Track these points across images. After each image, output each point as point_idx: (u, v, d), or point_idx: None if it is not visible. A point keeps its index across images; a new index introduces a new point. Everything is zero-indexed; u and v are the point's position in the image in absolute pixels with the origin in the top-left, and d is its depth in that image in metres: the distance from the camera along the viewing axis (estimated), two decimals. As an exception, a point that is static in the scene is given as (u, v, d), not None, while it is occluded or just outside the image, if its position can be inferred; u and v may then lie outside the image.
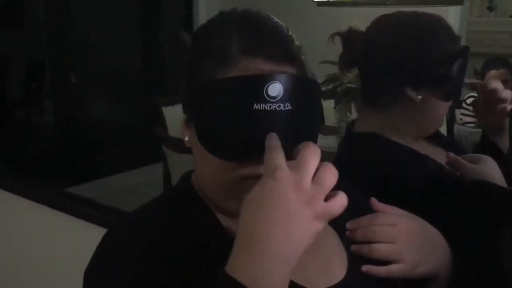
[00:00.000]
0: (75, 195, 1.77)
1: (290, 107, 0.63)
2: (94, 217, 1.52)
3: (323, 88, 2.25)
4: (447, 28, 1.01)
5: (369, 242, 0.74)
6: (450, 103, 1.03)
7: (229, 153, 0.65)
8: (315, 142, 0.68)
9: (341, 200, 0.57)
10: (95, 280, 0.66)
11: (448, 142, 1.14)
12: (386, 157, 0.99)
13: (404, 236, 0.74)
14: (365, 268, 0.74)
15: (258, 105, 0.62)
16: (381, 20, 1.03)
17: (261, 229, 0.55)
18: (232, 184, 0.66)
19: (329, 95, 2.25)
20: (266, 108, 0.62)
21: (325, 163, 0.57)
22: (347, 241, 0.77)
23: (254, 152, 0.63)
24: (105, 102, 4.02)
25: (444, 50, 0.97)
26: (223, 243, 0.64)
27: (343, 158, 1.05)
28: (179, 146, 2.36)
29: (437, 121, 1.05)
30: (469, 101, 2.51)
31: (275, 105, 0.63)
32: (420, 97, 0.97)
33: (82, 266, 0.67)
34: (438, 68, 0.97)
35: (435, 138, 1.10)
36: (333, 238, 0.77)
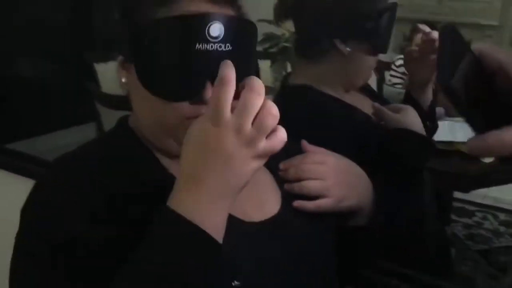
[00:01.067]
0: (8, 149, 1.71)
1: (230, 48, 0.65)
2: (27, 171, 1.49)
3: (259, 48, 2.28)
4: None
5: (300, 180, 0.79)
6: (377, 57, 1.08)
7: (171, 94, 0.66)
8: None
9: (281, 136, 0.60)
10: (33, 215, 0.66)
11: (375, 95, 1.21)
12: (316, 107, 1.04)
13: (331, 173, 0.80)
14: (296, 203, 0.79)
15: (200, 44, 0.64)
16: None
17: (200, 169, 0.58)
18: (172, 124, 0.68)
19: (265, 55, 2.28)
20: (208, 48, 0.64)
21: (267, 102, 0.59)
22: (281, 180, 0.81)
23: (196, 92, 0.65)
24: (30, 58, 3.84)
25: (373, 4, 1.02)
26: (163, 180, 0.68)
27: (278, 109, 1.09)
28: (113, 102, 2.32)
29: (365, 74, 1.10)
30: (398, 63, 2.62)
31: (217, 45, 0.64)
32: (349, 49, 1.02)
33: (13, 217, 0.67)
34: (366, 22, 1.02)
35: (364, 90, 1.16)
36: (268, 177, 0.82)
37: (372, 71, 1.15)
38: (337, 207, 0.80)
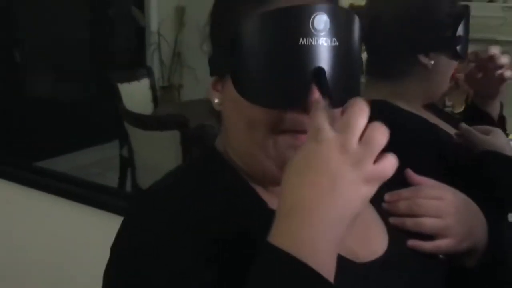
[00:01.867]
0: (45, 169, 1.67)
1: (336, 43, 0.58)
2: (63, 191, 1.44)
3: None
4: None
5: (413, 216, 0.73)
6: (456, 64, 1.04)
7: (272, 99, 0.60)
8: (359, 83, 0.65)
9: (391, 161, 0.53)
10: (130, 254, 0.59)
11: (442, 113, 1.16)
12: (398, 124, 0.98)
13: (450, 210, 0.73)
14: (411, 243, 0.71)
15: (304, 39, 0.57)
16: None
17: (304, 194, 0.51)
18: (268, 142, 0.61)
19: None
20: (312, 42, 0.57)
21: (375, 122, 0.53)
22: (384, 214, 0.74)
23: (299, 96, 0.58)
24: (52, 80, 3.83)
25: (449, 12, 0.99)
26: (257, 208, 0.62)
27: None
28: (142, 122, 2.28)
29: (446, 85, 1.06)
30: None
31: (322, 39, 0.58)
32: (433, 62, 0.98)
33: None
34: (446, 31, 0.99)
35: (433, 109, 1.11)
36: (371, 210, 0.74)
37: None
38: (458, 248, 0.73)
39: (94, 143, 3.76)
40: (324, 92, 0.57)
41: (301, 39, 0.57)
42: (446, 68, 1.03)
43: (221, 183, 0.65)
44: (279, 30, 0.58)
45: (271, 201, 0.64)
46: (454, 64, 1.05)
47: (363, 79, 1.08)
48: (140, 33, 4.20)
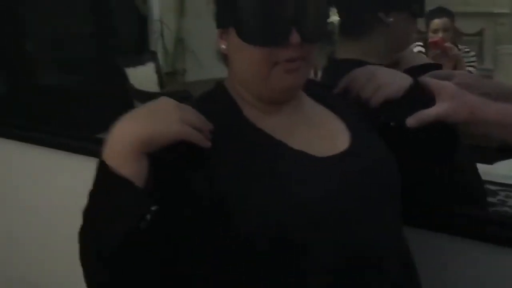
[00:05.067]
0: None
1: None
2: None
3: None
4: None
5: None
6: (416, 22, 1.22)
7: (265, 40, 0.81)
8: (327, 23, 0.88)
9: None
10: None
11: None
12: None
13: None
14: (415, 117, 0.93)
15: None
16: None
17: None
18: (267, 72, 0.83)
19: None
20: None
21: None
22: (350, 121, 0.94)
23: (285, 36, 0.80)
24: (59, 70, 4.00)
25: None
26: (243, 127, 0.85)
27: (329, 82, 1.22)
28: (151, 98, 2.47)
29: (409, 40, 1.24)
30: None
31: None
32: (392, 19, 1.16)
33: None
34: None
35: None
36: (335, 119, 0.95)
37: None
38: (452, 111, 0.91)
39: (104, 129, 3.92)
40: (300, 33, 0.81)
41: None
42: (406, 25, 1.18)
43: (219, 107, 0.88)
44: None
45: (261, 123, 0.87)
46: (413, 21, 1.19)
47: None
48: (143, 22, 4.38)
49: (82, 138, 1.70)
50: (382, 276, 0.84)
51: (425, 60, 1.17)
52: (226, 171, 0.80)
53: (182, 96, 2.46)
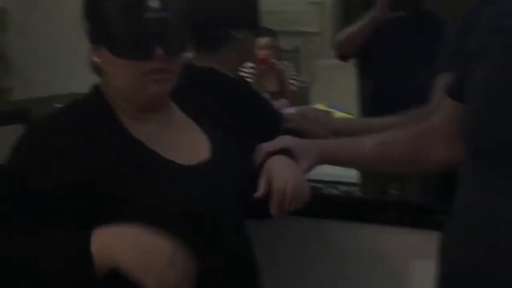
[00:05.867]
0: None
1: (169, 14, 0.95)
2: None
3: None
4: None
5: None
6: (256, 40, 1.43)
7: (134, 54, 0.94)
8: (186, 38, 1.02)
9: None
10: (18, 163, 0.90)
11: None
12: (227, 84, 1.35)
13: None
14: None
15: (145, 13, 0.92)
16: None
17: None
18: (139, 82, 0.94)
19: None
20: (150, 16, 0.92)
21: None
22: (210, 131, 1.07)
23: (148, 52, 0.93)
24: None
25: None
26: (122, 138, 0.95)
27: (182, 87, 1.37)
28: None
29: (252, 55, 1.44)
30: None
31: (158, 14, 0.93)
32: (241, 36, 1.35)
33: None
34: (249, 11, 1.38)
35: None
36: (196, 129, 1.07)
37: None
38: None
39: None
40: (163, 48, 0.95)
41: (143, 14, 0.92)
42: (251, 42, 1.41)
43: (95, 114, 0.97)
44: (128, 9, 0.93)
45: (136, 131, 0.97)
46: (255, 39, 1.42)
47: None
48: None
49: None
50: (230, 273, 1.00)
51: None
52: (101, 176, 0.90)
53: (21, 114, 2.38)
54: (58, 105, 1.05)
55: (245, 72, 3.05)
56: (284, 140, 1.09)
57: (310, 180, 1.09)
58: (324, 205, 1.33)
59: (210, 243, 0.96)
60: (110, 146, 0.94)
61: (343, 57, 2.20)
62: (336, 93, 3.10)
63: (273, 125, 1.31)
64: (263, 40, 2.99)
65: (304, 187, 1.01)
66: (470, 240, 0.82)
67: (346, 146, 1.09)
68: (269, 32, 2.96)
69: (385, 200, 1.64)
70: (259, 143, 1.13)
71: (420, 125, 1.08)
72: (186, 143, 1.03)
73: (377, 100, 1.97)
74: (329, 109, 2.72)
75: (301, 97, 3.27)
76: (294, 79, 3.25)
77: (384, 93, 1.91)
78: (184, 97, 1.12)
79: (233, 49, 1.37)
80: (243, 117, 1.20)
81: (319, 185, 1.70)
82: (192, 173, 0.98)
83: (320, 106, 2.79)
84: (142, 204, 0.91)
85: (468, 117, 0.88)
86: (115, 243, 0.83)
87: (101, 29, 0.95)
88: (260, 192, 0.98)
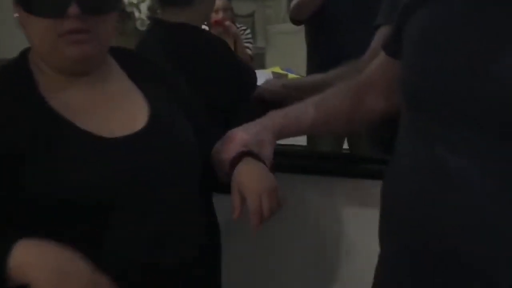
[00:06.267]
0: None
1: None
2: None
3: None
4: None
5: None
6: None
7: (49, 11, 0.85)
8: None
9: None
10: None
11: None
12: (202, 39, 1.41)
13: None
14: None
15: None
16: None
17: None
18: (56, 42, 0.86)
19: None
20: None
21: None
22: (152, 98, 0.97)
23: (65, 7, 0.83)
24: None
25: None
26: (34, 107, 0.87)
27: (152, 44, 1.40)
28: None
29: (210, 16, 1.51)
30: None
31: None
32: None
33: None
34: None
35: None
36: (137, 95, 0.97)
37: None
38: None
39: None
40: (79, 5, 0.83)
41: None
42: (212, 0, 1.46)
43: (15, 79, 0.91)
44: None
45: (57, 99, 0.89)
46: None
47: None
48: None
49: None
50: (186, 242, 0.93)
51: None
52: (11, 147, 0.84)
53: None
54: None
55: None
56: (236, 141, 1.02)
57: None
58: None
59: (127, 217, 0.87)
60: (24, 117, 0.85)
61: (297, 21, 2.25)
62: (289, 57, 3.16)
63: (249, 83, 1.41)
64: (218, 2, 3.00)
65: (277, 192, 0.93)
66: (405, 180, 0.89)
67: (292, 122, 1.10)
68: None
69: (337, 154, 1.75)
70: (231, 103, 1.22)
71: (358, 80, 1.11)
72: (119, 112, 0.93)
73: (327, 60, 2.04)
74: (284, 72, 2.81)
75: (256, 61, 3.32)
76: (250, 42, 3.28)
77: (334, 53, 1.98)
78: (137, 61, 1.03)
79: (201, 4, 1.41)
80: (218, 74, 1.30)
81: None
82: (116, 145, 0.88)
83: (275, 69, 2.87)
84: (47, 182, 0.83)
85: (404, 68, 0.92)
86: (34, 260, 0.76)
87: None
88: (235, 215, 0.92)
